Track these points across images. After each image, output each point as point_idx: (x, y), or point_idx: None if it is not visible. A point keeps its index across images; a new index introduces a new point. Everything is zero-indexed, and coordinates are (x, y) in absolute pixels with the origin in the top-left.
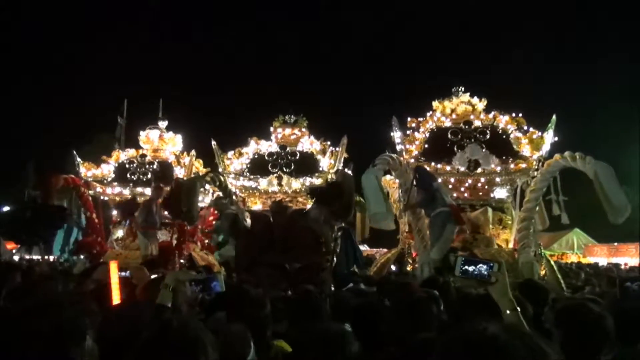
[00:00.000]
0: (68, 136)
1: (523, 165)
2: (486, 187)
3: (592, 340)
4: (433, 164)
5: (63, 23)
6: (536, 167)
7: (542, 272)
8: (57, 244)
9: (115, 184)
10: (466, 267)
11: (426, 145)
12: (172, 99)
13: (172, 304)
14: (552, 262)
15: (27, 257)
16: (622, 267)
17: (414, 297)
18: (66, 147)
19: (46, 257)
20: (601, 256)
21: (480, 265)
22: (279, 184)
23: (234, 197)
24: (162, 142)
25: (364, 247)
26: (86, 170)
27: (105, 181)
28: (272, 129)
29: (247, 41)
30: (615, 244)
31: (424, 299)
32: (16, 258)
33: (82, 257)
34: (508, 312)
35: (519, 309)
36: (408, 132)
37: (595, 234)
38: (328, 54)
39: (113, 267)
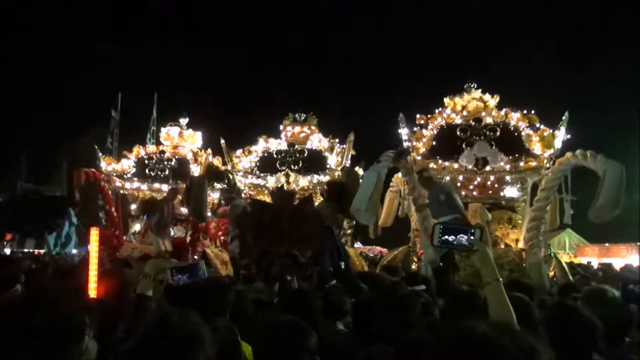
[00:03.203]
0: (64, 129)
1: (533, 164)
2: (496, 185)
3: (581, 344)
4: (440, 161)
5: (63, 20)
6: (547, 165)
7: (552, 274)
8: (52, 237)
9: (135, 179)
10: (446, 236)
11: (434, 143)
12: (182, 98)
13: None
14: (564, 264)
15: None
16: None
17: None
18: (68, 140)
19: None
20: (592, 256)
21: (461, 234)
22: (287, 182)
23: (242, 195)
24: (181, 139)
25: (357, 245)
26: (107, 165)
27: (125, 176)
28: (281, 127)
29: (257, 40)
30: (607, 244)
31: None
32: (7, 251)
33: (75, 251)
34: (490, 280)
35: (500, 279)
36: (416, 129)
37: (586, 234)
38: (338, 52)
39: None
